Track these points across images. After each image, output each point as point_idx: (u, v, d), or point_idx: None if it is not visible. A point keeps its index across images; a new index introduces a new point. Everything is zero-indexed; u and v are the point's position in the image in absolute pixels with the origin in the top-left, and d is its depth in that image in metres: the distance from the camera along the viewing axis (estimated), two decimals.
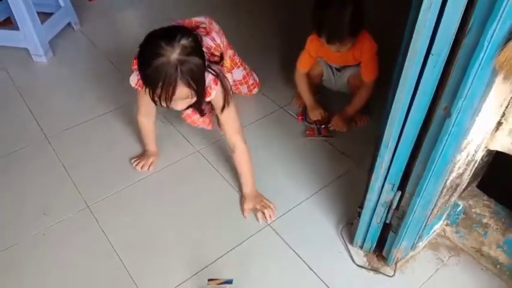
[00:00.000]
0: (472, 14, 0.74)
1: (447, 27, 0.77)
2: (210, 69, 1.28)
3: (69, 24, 2.23)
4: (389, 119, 0.96)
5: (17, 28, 1.99)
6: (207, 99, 1.32)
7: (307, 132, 1.66)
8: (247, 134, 1.49)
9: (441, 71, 0.84)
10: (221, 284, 1.09)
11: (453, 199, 1.25)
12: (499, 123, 1.06)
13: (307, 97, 1.73)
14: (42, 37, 2.01)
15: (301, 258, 1.29)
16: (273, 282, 1.24)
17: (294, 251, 1.31)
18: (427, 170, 0.97)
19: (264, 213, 1.38)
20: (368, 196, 1.16)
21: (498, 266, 1.25)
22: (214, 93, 1.31)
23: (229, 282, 1.09)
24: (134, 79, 1.35)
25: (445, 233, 1.36)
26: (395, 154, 1.02)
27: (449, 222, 1.33)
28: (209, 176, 1.53)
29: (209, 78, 1.29)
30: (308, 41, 1.64)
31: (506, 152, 1.09)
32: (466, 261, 1.29)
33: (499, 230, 1.20)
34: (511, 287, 1.23)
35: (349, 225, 1.36)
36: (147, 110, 1.47)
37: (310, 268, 1.27)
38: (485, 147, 1.12)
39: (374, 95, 1.66)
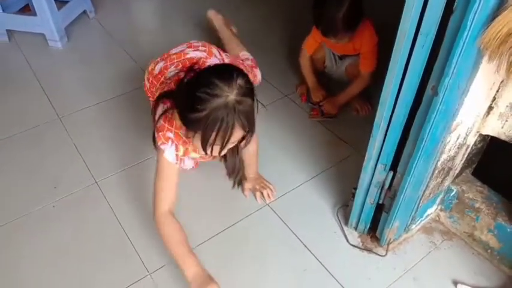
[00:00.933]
0: None
1: (434, 7, 0.81)
2: None
3: (84, 12, 2.31)
4: (380, 99, 1.00)
5: (34, 14, 2.08)
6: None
7: (311, 113, 1.73)
8: None
9: (429, 51, 0.88)
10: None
11: (446, 183, 1.28)
12: (490, 108, 1.09)
13: (310, 78, 1.79)
14: (58, 23, 2.09)
15: (297, 236, 1.34)
16: (269, 258, 1.29)
17: (290, 229, 1.36)
18: (416, 149, 1.01)
19: (262, 193, 1.42)
20: (361, 176, 1.20)
21: (489, 251, 1.28)
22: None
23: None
24: (172, 154, 1.16)
25: (439, 218, 1.39)
26: (387, 134, 1.06)
27: (443, 207, 1.36)
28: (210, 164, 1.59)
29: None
30: (313, 29, 1.69)
31: (497, 136, 1.13)
32: (459, 245, 1.33)
33: (490, 214, 1.23)
34: (501, 271, 1.26)
35: (344, 206, 1.40)
36: (172, 196, 1.20)
37: (305, 246, 1.32)
38: (477, 132, 1.16)
39: (376, 86, 1.69)
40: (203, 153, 1.09)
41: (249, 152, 1.37)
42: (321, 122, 1.71)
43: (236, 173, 1.34)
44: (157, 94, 1.25)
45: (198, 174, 1.52)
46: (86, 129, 1.69)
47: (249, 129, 1.07)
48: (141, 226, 1.36)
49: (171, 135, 1.16)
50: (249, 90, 1.03)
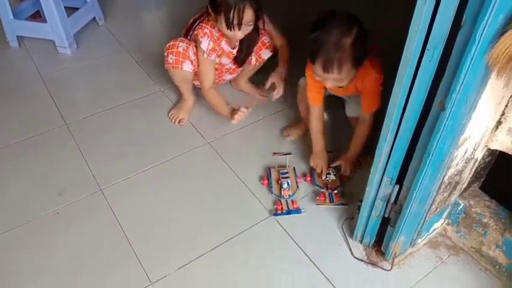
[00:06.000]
0: (465, 10, 0.77)
1: (442, 22, 0.80)
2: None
3: (93, 19, 2.33)
4: (387, 112, 0.99)
5: (44, 21, 2.10)
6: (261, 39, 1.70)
7: (317, 198, 1.46)
8: (257, 131, 1.68)
9: (436, 65, 0.87)
10: (283, 155, 1.51)
11: (453, 198, 1.26)
12: (499, 122, 1.07)
13: (319, 142, 1.53)
14: (67, 30, 2.11)
15: (301, 249, 1.33)
16: (273, 269, 1.28)
17: (295, 241, 1.35)
18: (423, 163, 1.00)
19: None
20: (367, 189, 1.19)
21: (497, 267, 1.26)
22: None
23: (289, 153, 1.52)
24: (206, 44, 1.59)
25: (446, 233, 1.37)
26: (394, 147, 1.05)
27: (450, 221, 1.34)
28: (219, 166, 1.58)
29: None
30: (306, 71, 1.46)
31: (505, 151, 1.11)
32: (465, 260, 1.31)
33: (498, 230, 1.21)
34: None
35: (349, 219, 1.38)
36: (212, 79, 1.67)
37: (309, 258, 1.30)
38: (486, 146, 1.14)
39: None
40: (228, 36, 1.58)
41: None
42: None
43: (243, 58, 1.74)
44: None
45: (204, 179, 1.51)
46: (92, 136, 1.70)
47: (259, 12, 1.49)
48: (145, 235, 1.36)
49: (207, 30, 1.59)
50: None
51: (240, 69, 1.81)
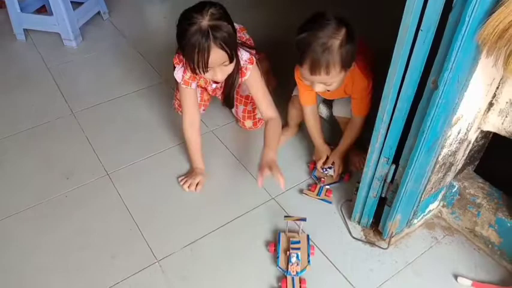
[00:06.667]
0: None
1: (434, 4, 0.85)
2: (244, 47, 1.41)
3: (98, 13, 2.39)
4: (383, 93, 1.04)
5: (50, 14, 2.15)
6: (243, 78, 1.43)
7: (309, 187, 1.49)
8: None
9: (430, 46, 0.92)
10: (296, 220, 1.30)
11: (448, 179, 1.31)
12: (491, 104, 1.12)
13: (318, 135, 1.55)
14: (73, 23, 2.16)
15: (302, 230, 1.37)
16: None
17: (295, 223, 1.39)
18: (417, 141, 1.04)
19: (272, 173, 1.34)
20: (364, 170, 1.24)
21: (490, 246, 1.30)
22: (249, 73, 1.43)
23: (304, 219, 1.29)
24: (179, 75, 1.41)
25: (441, 214, 1.42)
26: (390, 127, 1.09)
27: (445, 203, 1.39)
28: (221, 155, 1.63)
29: (244, 58, 1.41)
30: (295, 72, 1.42)
31: (497, 132, 1.16)
32: (460, 241, 1.35)
33: (491, 209, 1.26)
34: (501, 266, 1.28)
35: (348, 201, 1.43)
36: (191, 115, 1.48)
37: (310, 239, 1.35)
38: (478, 128, 1.19)
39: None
40: (205, 78, 1.39)
41: (271, 127, 1.45)
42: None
43: (228, 100, 1.57)
44: None
45: (207, 166, 1.56)
46: (98, 125, 1.75)
47: (230, 50, 1.27)
48: (151, 216, 1.41)
49: (182, 58, 1.38)
50: (222, 15, 1.25)
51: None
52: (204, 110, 1.72)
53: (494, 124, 1.14)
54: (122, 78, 2.00)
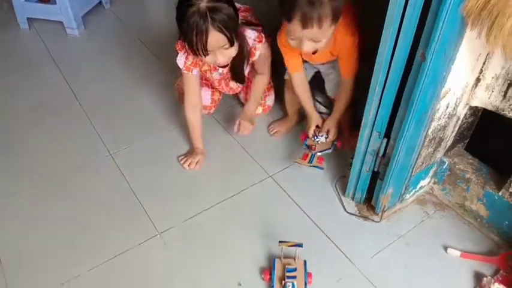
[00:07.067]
0: None
1: None
2: (250, 26, 1.41)
3: (100, 2, 2.44)
4: (375, 65, 1.09)
5: (54, 3, 2.20)
6: (252, 58, 1.45)
7: (301, 156, 1.52)
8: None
9: (418, 17, 0.97)
10: (292, 246, 1.17)
11: (439, 155, 1.36)
12: (478, 80, 1.17)
13: (308, 104, 1.54)
14: (75, 12, 2.21)
15: (298, 205, 1.43)
16: (271, 224, 1.37)
17: (292, 199, 1.45)
18: (407, 113, 1.10)
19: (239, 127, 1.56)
20: (357, 145, 1.29)
21: (479, 220, 1.35)
22: (258, 54, 1.44)
23: (300, 245, 1.17)
24: (181, 61, 1.44)
25: (432, 191, 1.47)
26: (381, 101, 1.15)
27: (436, 180, 1.44)
28: (221, 136, 1.69)
29: (252, 37, 1.41)
30: (278, 39, 1.41)
31: (484, 107, 1.21)
32: (450, 215, 1.40)
33: (480, 184, 1.31)
34: (489, 238, 1.33)
35: (342, 178, 1.49)
36: (193, 99, 1.52)
37: (305, 213, 1.40)
38: (467, 104, 1.24)
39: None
40: (208, 63, 1.40)
41: (257, 82, 1.53)
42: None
43: (237, 75, 1.53)
44: None
45: (207, 146, 1.61)
46: (101, 109, 1.80)
47: (229, 33, 1.26)
48: (153, 193, 1.46)
49: (184, 44, 1.37)
50: None
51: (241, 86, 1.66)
52: (214, 110, 1.72)
53: (482, 99, 1.20)
54: (124, 64, 2.05)
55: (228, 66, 1.48)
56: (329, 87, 1.58)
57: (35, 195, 1.45)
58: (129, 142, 1.65)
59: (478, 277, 1.22)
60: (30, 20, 2.30)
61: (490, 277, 1.20)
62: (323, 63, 1.52)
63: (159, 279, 1.23)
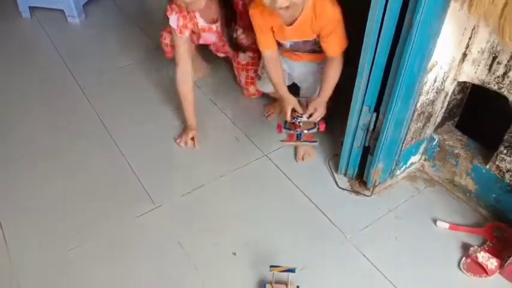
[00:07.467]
0: None
1: None
2: None
3: None
4: (365, 32, 1.12)
5: None
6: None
7: (286, 137, 1.44)
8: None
9: None
10: (283, 271, 1.10)
11: (428, 131, 1.40)
12: (464, 55, 1.21)
13: (281, 86, 1.44)
14: (76, 0, 2.26)
15: (292, 181, 1.47)
16: (266, 198, 1.42)
17: (286, 175, 1.49)
18: (395, 85, 1.13)
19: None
20: (348, 121, 1.32)
21: (467, 194, 1.39)
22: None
23: (292, 270, 1.10)
24: (174, 22, 1.48)
25: (423, 168, 1.50)
26: (371, 74, 1.18)
27: (427, 157, 1.48)
28: (216, 116, 1.73)
29: None
30: (251, 13, 1.36)
31: (471, 81, 1.25)
32: (440, 191, 1.44)
33: (468, 158, 1.34)
34: (477, 211, 1.37)
35: (335, 156, 1.52)
36: (184, 67, 1.54)
37: (298, 188, 1.44)
38: (455, 79, 1.28)
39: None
40: (204, 23, 1.50)
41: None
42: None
43: (229, 39, 1.60)
44: None
45: (205, 130, 1.65)
46: (101, 91, 1.85)
47: None
48: (150, 169, 1.51)
49: (174, 6, 1.46)
50: None
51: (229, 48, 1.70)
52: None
53: (468, 74, 1.23)
54: (123, 50, 2.10)
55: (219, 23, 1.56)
56: (305, 87, 1.55)
57: (38, 167, 1.50)
58: (127, 122, 1.69)
59: (466, 247, 1.26)
60: (31, 9, 2.34)
61: (476, 246, 1.24)
62: (301, 59, 1.47)
63: (155, 249, 1.27)
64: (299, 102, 1.43)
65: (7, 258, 1.24)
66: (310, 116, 1.39)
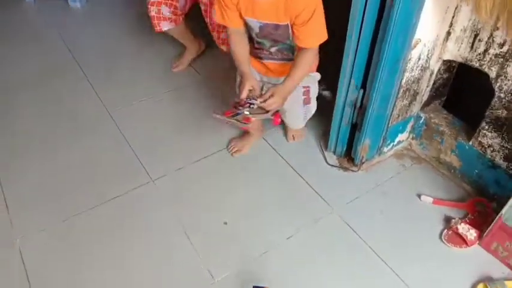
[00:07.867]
0: None
1: None
2: None
3: None
4: (350, 16, 1.17)
5: None
6: None
7: (224, 111, 1.28)
8: None
9: None
10: None
11: (415, 109, 1.44)
12: (448, 33, 1.25)
13: (246, 63, 1.31)
14: None
15: (284, 158, 1.52)
16: (259, 176, 1.47)
17: (278, 153, 1.54)
18: (380, 61, 1.18)
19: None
20: (337, 99, 1.37)
21: (452, 171, 1.44)
22: None
23: None
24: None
25: (411, 147, 1.55)
26: (357, 51, 1.23)
27: (414, 135, 1.52)
28: (210, 95, 1.78)
29: None
30: None
31: (454, 59, 1.29)
32: (426, 168, 1.49)
33: (453, 135, 1.39)
34: (461, 187, 1.41)
35: (325, 135, 1.57)
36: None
37: (289, 164, 1.49)
38: (440, 58, 1.32)
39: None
40: None
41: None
42: None
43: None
44: None
45: (198, 108, 1.70)
46: (101, 73, 1.91)
47: None
48: (147, 146, 1.56)
49: None
50: None
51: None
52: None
53: (452, 52, 1.28)
54: (123, 34, 2.15)
55: None
56: (289, 119, 1.50)
57: (42, 146, 1.56)
58: (125, 102, 1.74)
59: (448, 221, 1.31)
60: None
61: (458, 218, 1.29)
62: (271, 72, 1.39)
63: (151, 219, 1.33)
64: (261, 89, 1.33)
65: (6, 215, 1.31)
66: (265, 102, 1.24)
